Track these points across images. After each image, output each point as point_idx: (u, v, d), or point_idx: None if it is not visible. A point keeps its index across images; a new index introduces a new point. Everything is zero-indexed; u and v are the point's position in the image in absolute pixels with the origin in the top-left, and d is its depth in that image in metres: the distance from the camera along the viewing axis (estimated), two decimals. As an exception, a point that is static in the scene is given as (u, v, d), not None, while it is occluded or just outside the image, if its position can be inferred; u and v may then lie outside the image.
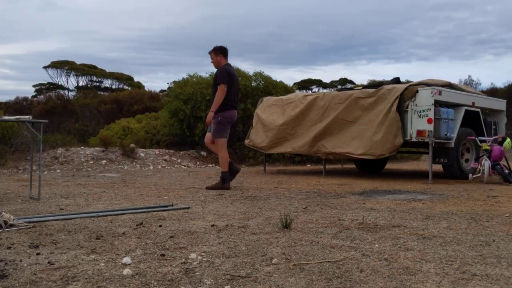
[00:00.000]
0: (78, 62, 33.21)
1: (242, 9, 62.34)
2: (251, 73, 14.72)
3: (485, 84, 40.71)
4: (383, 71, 62.03)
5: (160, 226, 3.80)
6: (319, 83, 35.35)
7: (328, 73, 60.26)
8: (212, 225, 3.82)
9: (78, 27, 59.71)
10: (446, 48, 60.49)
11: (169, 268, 2.58)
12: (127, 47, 57.73)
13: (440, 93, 7.83)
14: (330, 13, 61.64)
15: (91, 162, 11.29)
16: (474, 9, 58.46)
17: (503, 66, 56.80)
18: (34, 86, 33.50)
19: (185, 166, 12.23)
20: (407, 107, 7.93)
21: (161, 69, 60.60)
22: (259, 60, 61.17)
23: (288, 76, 64.07)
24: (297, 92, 16.56)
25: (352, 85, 18.02)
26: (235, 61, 58.05)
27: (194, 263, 2.68)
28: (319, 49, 62.29)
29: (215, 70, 6.84)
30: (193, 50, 62.54)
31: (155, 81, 61.62)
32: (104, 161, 11.48)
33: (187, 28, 61.03)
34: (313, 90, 32.87)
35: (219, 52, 6.71)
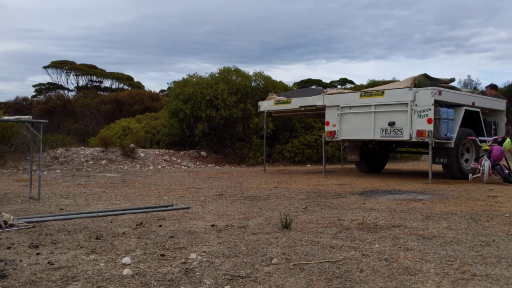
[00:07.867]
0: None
1: (181, 7, 60.36)
2: (251, 73, 14.74)
3: (485, 84, 40.57)
4: (347, 70, 61.55)
5: (160, 226, 3.80)
6: (319, 83, 35.36)
7: (291, 72, 59.11)
8: (212, 225, 3.82)
9: (23, 26, 56.31)
10: (394, 47, 59.77)
11: (169, 268, 2.58)
12: (82, 45, 52.73)
13: (440, 93, 7.82)
14: (271, 11, 59.98)
15: (91, 162, 11.29)
16: (412, 7, 57.43)
17: (460, 64, 56.62)
18: (34, 86, 33.50)
19: (185, 166, 12.23)
20: None
21: (129, 67, 59.04)
22: (218, 59, 58.96)
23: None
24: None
25: (352, 85, 17.91)
26: (194, 60, 56.99)
27: (194, 263, 2.68)
28: (271, 48, 60.63)
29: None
30: (147, 49, 60.75)
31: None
32: (104, 161, 11.48)
33: (132, 27, 58.58)
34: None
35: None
